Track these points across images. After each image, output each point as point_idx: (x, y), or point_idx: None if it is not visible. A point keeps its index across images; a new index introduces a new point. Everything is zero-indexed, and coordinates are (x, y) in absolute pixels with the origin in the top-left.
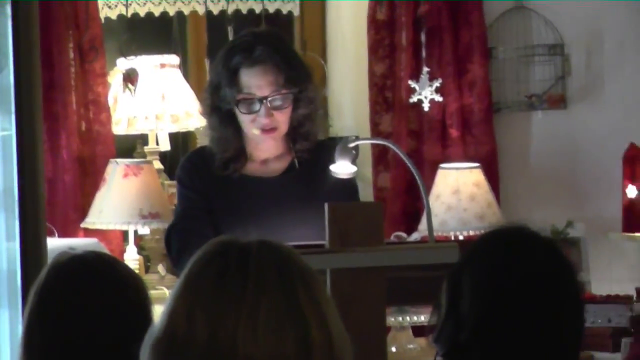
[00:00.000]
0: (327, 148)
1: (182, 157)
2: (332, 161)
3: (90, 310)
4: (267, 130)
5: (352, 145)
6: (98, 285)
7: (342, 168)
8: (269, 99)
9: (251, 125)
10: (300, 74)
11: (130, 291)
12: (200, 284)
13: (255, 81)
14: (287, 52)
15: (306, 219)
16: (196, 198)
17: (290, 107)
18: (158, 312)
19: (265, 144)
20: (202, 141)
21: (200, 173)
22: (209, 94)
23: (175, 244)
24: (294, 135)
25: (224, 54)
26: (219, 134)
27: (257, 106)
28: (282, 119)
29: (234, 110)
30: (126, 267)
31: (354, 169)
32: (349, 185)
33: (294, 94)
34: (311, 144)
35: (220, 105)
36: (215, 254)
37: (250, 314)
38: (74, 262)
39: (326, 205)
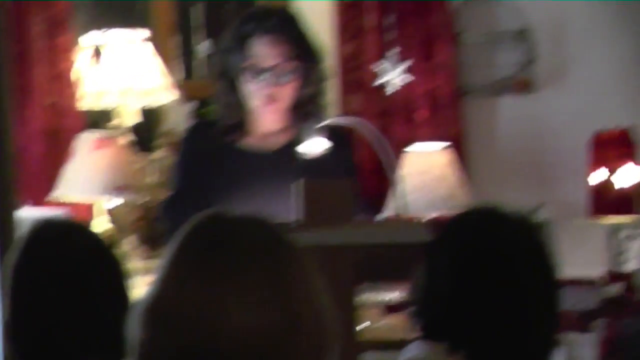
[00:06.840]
0: (334, 131)
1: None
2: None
3: (68, 277)
4: (269, 101)
5: (322, 125)
6: (75, 252)
7: (311, 147)
8: (276, 69)
9: (254, 94)
10: (311, 51)
11: (106, 258)
12: (189, 255)
13: (265, 50)
14: (301, 27)
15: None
16: (193, 172)
17: (297, 82)
18: (130, 283)
19: (265, 116)
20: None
21: (200, 144)
22: (218, 59)
23: (168, 220)
24: (296, 112)
25: (237, 21)
26: (224, 100)
27: (262, 75)
28: (286, 93)
29: (239, 78)
30: (100, 236)
31: (325, 146)
32: (345, 168)
33: (302, 70)
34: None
35: (227, 72)
36: (204, 226)
37: (239, 286)
38: (52, 230)
39: (294, 183)
